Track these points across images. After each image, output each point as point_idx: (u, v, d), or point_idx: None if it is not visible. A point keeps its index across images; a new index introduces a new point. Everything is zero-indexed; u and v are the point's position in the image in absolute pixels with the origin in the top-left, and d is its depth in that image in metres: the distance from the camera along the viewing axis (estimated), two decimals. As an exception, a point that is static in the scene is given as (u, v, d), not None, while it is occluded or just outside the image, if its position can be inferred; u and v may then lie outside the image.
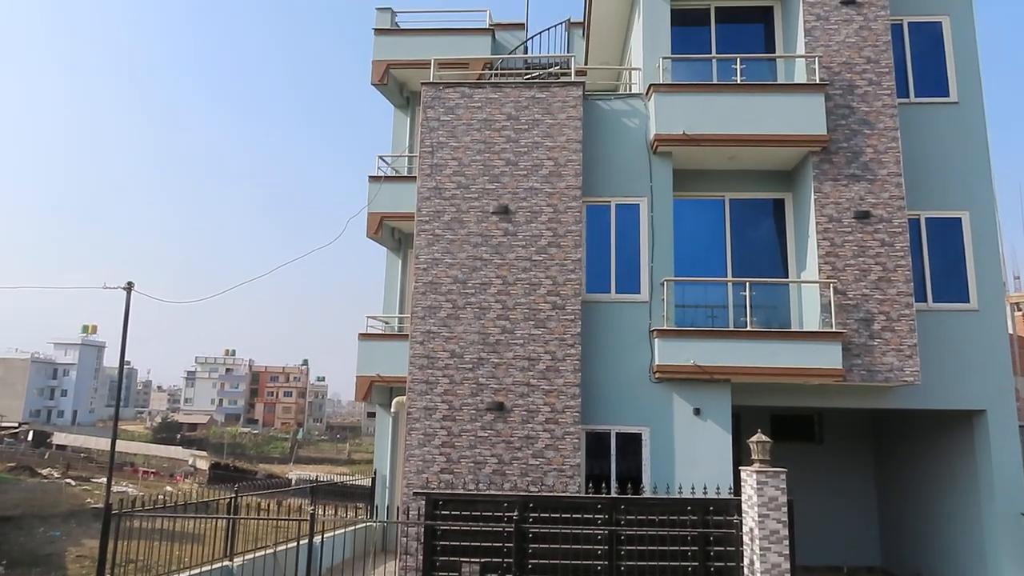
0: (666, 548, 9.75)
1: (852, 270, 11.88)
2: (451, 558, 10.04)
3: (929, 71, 13.15)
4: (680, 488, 10.97)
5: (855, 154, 12.24)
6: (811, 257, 12.17)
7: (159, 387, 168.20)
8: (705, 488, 10.44)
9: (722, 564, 9.70)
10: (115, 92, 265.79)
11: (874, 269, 11.86)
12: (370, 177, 15.64)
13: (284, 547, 11.35)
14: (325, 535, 11.84)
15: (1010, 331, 15.30)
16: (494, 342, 11.88)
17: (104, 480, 34.53)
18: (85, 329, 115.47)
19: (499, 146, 12.57)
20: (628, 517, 9.92)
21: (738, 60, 12.81)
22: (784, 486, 9.15)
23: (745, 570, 9.40)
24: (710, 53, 13.50)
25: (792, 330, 12.16)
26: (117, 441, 31.70)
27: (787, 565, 8.95)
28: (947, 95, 13.00)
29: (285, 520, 10.76)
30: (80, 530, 27.44)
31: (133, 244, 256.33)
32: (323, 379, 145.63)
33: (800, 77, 12.72)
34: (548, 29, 16.79)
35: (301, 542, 10.03)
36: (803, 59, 12.67)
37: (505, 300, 12.01)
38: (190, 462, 60.63)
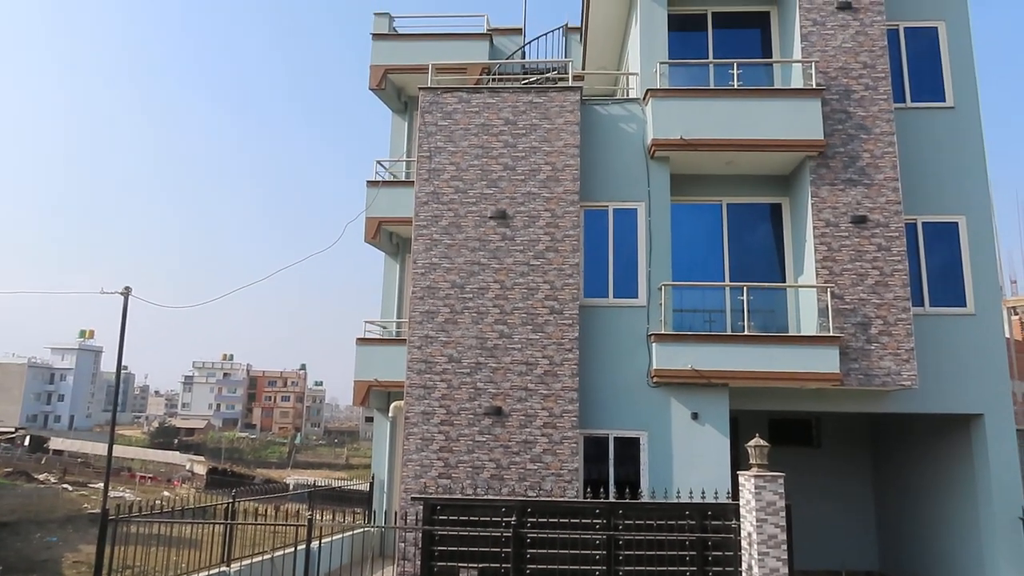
0: (664, 553, 9.75)
1: (849, 274, 11.90)
2: (449, 563, 10.02)
3: (925, 76, 13.20)
4: (678, 493, 10.96)
5: (852, 159, 12.27)
6: (808, 261, 12.19)
7: (156, 392, 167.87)
8: (703, 493, 10.43)
9: (720, 569, 9.69)
10: (115, 93, 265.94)
11: (871, 273, 11.89)
12: (368, 182, 15.64)
13: (282, 552, 11.32)
14: (323, 540, 11.81)
15: (1007, 335, 15.32)
16: (492, 346, 11.88)
17: (101, 485, 34.41)
18: (82, 334, 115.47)
19: (497, 151, 12.59)
20: (626, 522, 9.91)
21: (735, 65, 12.85)
22: (782, 490, 9.16)
23: (743, 575, 9.40)
24: (707, 58, 13.54)
25: (789, 334, 12.17)
26: (114, 446, 31.60)
27: (785, 569, 8.95)
28: (943, 100, 13.05)
29: (283, 525, 10.73)
30: (77, 536, 27.35)
31: (133, 245, 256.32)
32: (321, 384, 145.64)
33: (797, 82, 12.76)
34: (546, 34, 16.83)
35: (299, 547, 10.01)
36: (800, 64, 12.71)
37: (503, 305, 12.02)
38: (187, 467, 60.50)
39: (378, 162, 16.19)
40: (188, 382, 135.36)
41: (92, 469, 54.03)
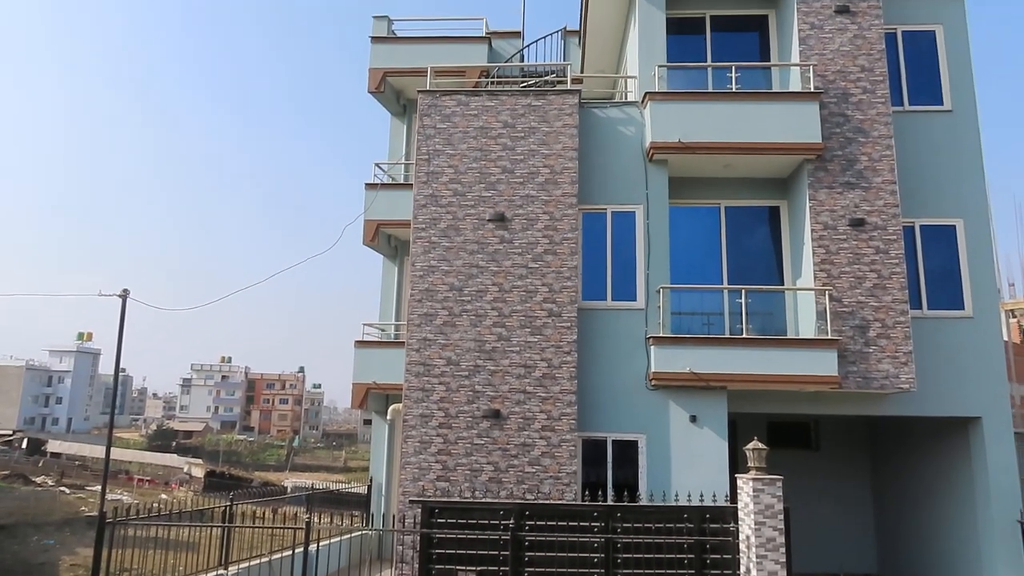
0: (663, 556, 9.73)
1: (847, 277, 11.92)
2: (447, 566, 10.01)
3: (923, 79, 13.23)
4: (676, 496, 10.95)
5: (850, 162, 12.29)
6: (806, 264, 12.20)
7: (154, 394, 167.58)
8: (702, 496, 10.43)
9: (719, 572, 9.67)
10: (115, 93, 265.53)
11: (869, 276, 11.90)
12: (366, 184, 15.63)
13: (279, 555, 11.29)
14: (321, 543, 11.76)
15: (1005, 338, 15.33)
16: (490, 349, 11.88)
17: (99, 488, 34.35)
18: (80, 336, 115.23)
19: (495, 154, 12.60)
20: (625, 525, 9.90)
21: (733, 68, 12.87)
22: (780, 493, 9.16)
23: (742, 578, 9.40)
24: (705, 61, 13.57)
25: (788, 337, 12.18)
26: (112, 449, 31.56)
27: (784, 572, 8.95)
28: (941, 103, 13.08)
29: (280, 528, 10.71)
30: (74, 538, 27.32)
31: (133, 245, 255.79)
32: (319, 386, 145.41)
33: (795, 85, 12.79)
34: (544, 37, 16.83)
35: (296, 550, 10.00)
36: (798, 67, 12.73)
37: (501, 307, 12.02)
38: (185, 470, 60.49)
39: (376, 165, 16.19)
40: (186, 384, 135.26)
41: (90, 472, 53.98)
